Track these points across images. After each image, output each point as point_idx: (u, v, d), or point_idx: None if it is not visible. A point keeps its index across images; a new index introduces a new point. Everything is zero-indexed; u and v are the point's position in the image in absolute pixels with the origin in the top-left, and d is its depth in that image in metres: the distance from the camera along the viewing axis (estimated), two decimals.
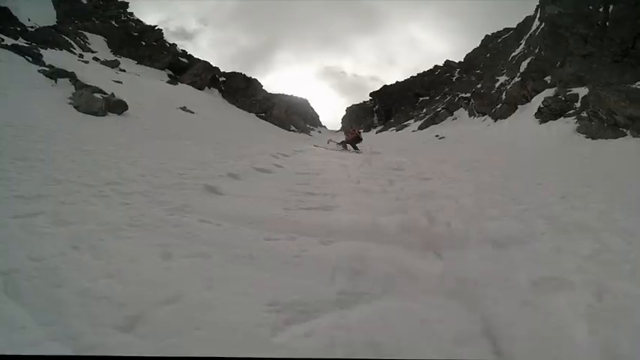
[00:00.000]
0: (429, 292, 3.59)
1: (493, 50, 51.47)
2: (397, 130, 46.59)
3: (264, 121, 36.98)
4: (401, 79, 72.10)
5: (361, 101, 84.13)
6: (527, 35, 39.84)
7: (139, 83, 27.14)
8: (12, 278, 3.21)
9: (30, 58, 20.14)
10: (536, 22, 38.87)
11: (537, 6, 40.91)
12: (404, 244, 4.72)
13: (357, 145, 22.90)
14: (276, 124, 37.62)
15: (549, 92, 25.20)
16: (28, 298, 3.01)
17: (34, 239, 3.94)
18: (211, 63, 43.71)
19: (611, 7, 25.99)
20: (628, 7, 24.49)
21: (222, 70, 44.38)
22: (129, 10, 55.33)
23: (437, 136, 31.94)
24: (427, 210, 6.32)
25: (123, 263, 3.71)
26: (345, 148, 22.79)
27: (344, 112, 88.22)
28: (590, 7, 28.60)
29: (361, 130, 27.58)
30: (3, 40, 22.81)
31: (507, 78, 34.60)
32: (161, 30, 52.44)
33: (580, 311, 3.20)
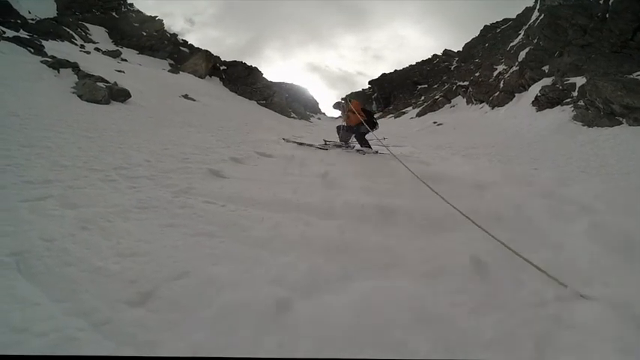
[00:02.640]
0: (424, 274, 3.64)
1: (492, 40, 51.31)
2: (395, 118, 46.38)
3: (265, 109, 36.88)
4: (399, 68, 71.93)
5: (360, 89, 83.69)
6: (526, 26, 39.76)
7: (141, 72, 27.06)
8: (24, 258, 3.29)
9: (32, 50, 20.10)
10: (536, 13, 38.82)
11: None
12: (406, 224, 4.78)
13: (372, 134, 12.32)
14: (277, 111, 37.49)
15: (547, 81, 25.17)
16: (41, 277, 3.10)
17: (44, 221, 4.01)
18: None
19: None
20: None
21: (222, 59, 44.25)
22: (129, 1, 55.25)
23: (435, 122, 31.88)
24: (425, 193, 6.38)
25: (132, 243, 3.79)
26: (346, 143, 13.30)
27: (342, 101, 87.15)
28: None
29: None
30: (4, 32, 22.73)
31: (505, 67, 34.53)
32: (162, 20, 52.34)
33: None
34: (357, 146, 12.69)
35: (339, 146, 13.30)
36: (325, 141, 14.60)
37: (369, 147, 12.24)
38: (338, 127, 13.84)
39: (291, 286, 3.28)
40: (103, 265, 3.32)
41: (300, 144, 13.38)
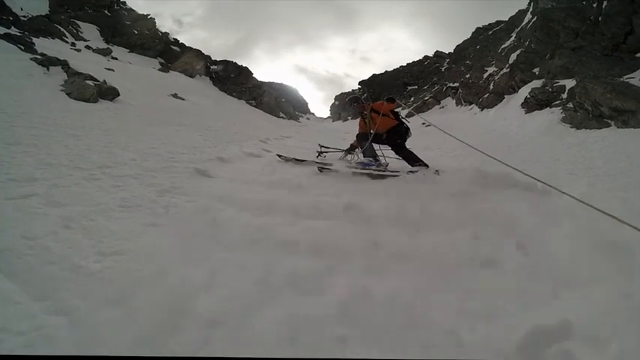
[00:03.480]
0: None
1: (483, 42, 51.22)
2: None
3: (254, 108, 37.06)
4: (387, 70, 71.73)
5: (350, 90, 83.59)
6: (519, 28, 39.86)
7: (131, 71, 27.06)
8: (5, 256, 3.28)
9: (22, 47, 20.01)
10: (529, 16, 38.96)
11: (530, 0, 41.09)
12: (388, 224, 4.81)
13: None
14: (266, 111, 37.66)
15: (537, 83, 25.33)
16: (22, 275, 3.09)
17: (27, 219, 4.00)
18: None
19: (604, 2, 26.08)
20: (621, 2, 24.59)
21: (213, 59, 44.29)
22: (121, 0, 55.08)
23: (423, 123, 31.83)
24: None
25: (113, 242, 3.81)
26: (375, 160, 9.45)
27: (332, 101, 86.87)
28: (584, 2, 28.73)
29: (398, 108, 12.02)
30: None
31: (496, 69, 34.56)
32: (154, 19, 52.03)
33: None
34: (399, 165, 9.17)
35: (364, 165, 9.08)
36: (322, 147, 10.71)
37: (422, 162, 8.62)
38: (359, 136, 9.82)
39: (275, 286, 3.31)
40: (84, 264, 3.33)
41: (300, 160, 9.46)
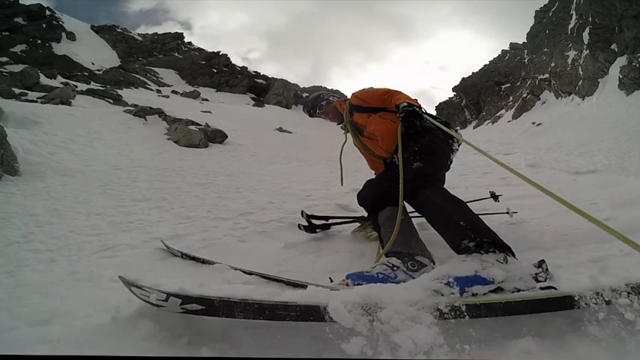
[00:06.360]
0: None
1: (549, 25, 49.83)
2: (493, 123, 45.69)
3: None
4: (468, 73, 70.87)
5: (447, 98, 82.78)
6: (574, 4, 38.76)
7: (227, 110, 28.65)
8: None
9: (111, 100, 21.24)
10: None
11: None
12: None
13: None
14: None
15: (622, 61, 25.66)
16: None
17: (193, 275, 3.77)
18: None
19: None
20: None
21: (301, 86, 45.13)
22: (186, 40, 57.45)
23: (534, 123, 31.32)
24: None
25: None
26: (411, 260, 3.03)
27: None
28: None
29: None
30: (76, 86, 24.10)
31: (576, 52, 34.02)
32: (227, 55, 53.79)
33: None
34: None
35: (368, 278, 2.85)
36: (308, 216, 5.41)
37: (497, 244, 2.66)
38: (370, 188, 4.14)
39: None
40: None
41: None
